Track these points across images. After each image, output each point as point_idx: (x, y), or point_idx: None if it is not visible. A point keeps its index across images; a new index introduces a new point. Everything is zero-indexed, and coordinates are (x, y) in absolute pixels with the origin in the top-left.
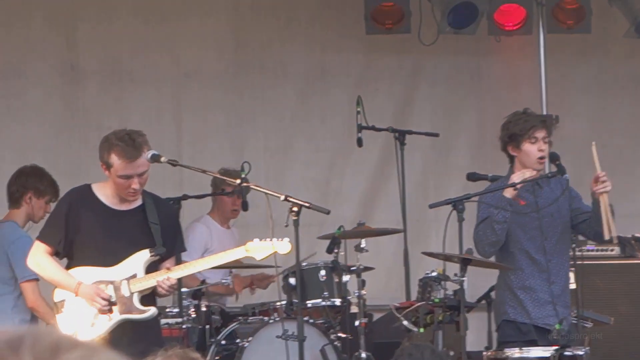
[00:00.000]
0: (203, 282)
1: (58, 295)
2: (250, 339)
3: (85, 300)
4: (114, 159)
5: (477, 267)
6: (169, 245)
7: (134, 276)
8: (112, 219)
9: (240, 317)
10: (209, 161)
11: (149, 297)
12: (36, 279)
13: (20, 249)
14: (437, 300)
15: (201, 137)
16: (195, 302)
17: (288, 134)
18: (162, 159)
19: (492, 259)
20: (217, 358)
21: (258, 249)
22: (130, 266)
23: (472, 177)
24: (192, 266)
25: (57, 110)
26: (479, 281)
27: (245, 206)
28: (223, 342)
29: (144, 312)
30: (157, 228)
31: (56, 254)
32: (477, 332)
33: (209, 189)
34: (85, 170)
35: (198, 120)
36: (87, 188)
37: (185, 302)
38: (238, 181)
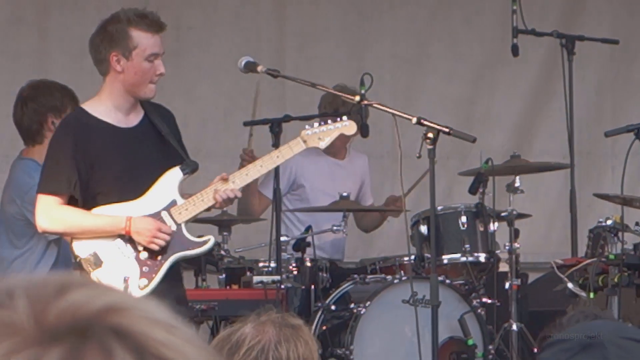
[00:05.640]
0: (308, 229)
1: (81, 249)
2: (368, 303)
3: (142, 238)
4: (138, 35)
5: None
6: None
7: (174, 203)
8: (125, 140)
9: (355, 276)
10: (319, 72)
11: None
12: None
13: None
14: (612, 256)
15: (309, 40)
16: (298, 254)
17: (422, 38)
18: (260, 68)
19: None
20: (324, 328)
21: (317, 137)
22: (162, 193)
23: None
24: (249, 171)
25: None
26: None
27: (365, 131)
28: (333, 307)
29: (203, 243)
30: (173, 139)
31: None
32: None
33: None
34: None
35: (305, 18)
36: (82, 111)
37: (284, 256)
38: (357, 98)
